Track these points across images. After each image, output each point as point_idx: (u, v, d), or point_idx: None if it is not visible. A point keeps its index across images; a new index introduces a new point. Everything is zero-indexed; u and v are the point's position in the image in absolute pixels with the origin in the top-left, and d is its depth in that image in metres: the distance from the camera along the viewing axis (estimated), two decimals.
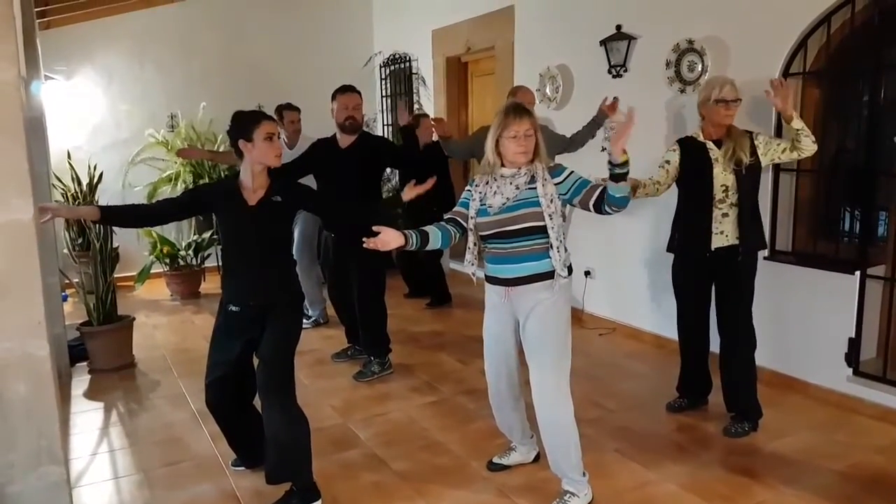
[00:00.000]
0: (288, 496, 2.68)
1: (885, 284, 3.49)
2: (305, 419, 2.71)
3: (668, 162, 3.34)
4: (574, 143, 4.41)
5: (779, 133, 3.67)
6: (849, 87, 3.77)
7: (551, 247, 2.53)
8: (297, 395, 2.72)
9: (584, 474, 2.68)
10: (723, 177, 3.18)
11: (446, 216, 2.73)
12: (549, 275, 2.55)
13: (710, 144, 3.24)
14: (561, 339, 2.61)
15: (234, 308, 2.74)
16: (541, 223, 2.52)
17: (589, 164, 4.33)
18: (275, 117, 2.84)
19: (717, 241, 3.22)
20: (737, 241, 3.20)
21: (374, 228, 2.54)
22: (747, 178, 3.16)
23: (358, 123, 4.07)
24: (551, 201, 2.52)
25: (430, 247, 2.66)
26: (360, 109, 4.08)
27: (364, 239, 2.51)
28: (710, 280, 3.34)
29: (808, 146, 3.10)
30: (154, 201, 2.91)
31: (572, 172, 2.61)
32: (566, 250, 2.61)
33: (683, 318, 3.49)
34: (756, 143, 3.18)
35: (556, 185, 2.56)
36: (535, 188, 2.54)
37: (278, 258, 2.76)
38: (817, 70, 3.70)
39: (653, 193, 3.42)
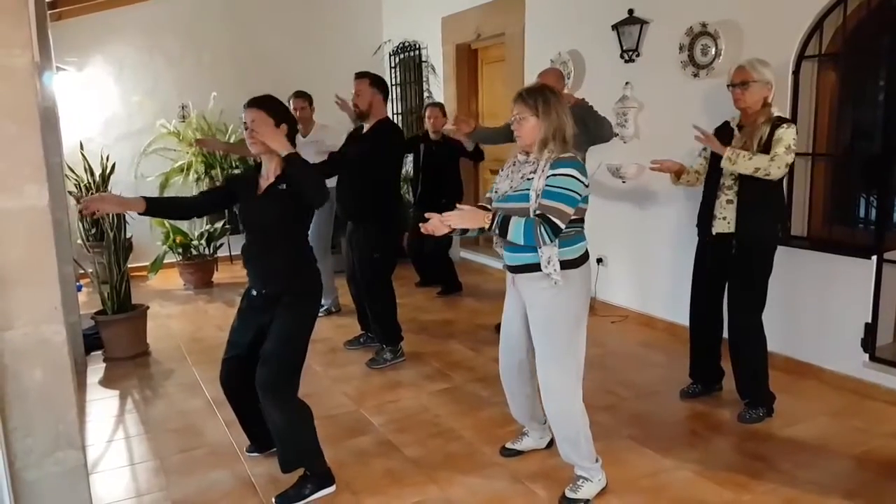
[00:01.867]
0: (302, 481, 2.70)
1: None
2: (306, 412, 2.69)
3: (704, 149, 3.36)
4: (600, 130, 4.05)
5: (794, 118, 3.63)
6: (865, 69, 3.71)
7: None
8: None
9: (596, 460, 2.67)
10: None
11: (487, 195, 2.69)
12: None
13: (737, 131, 3.21)
14: (564, 333, 2.54)
15: (253, 292, 2.77)
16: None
17: (604, 149, 4.31)
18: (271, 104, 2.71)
19: (719, 227, 3.22)
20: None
21: (427, 215, 2.51)
22: None
23: (359, 110, 4.04)
24: (538, 196, 2.43)
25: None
26: (364, 95, 4.00)
27: (420, 224, 2.50)
28: (718, 266, 3.32)
29: (763, 177, 3.02)
30: (198, 193, 2.88)
31: (563, 176, 2.42)
32: (574, 243, 2.51)
33: (693, 302, 3.49)
34: (775, 135, 3.06)
35: (547, 177, 2.43)
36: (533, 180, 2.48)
37: (285, 246, 2.68)
38: (833, 52, 3.65)
39: (693, 183, 3.41)
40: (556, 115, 2.47)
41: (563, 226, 2.40)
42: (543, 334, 2.57)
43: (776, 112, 3.14)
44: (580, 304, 2.57)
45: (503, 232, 2.43)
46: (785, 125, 3.06)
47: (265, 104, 2.61)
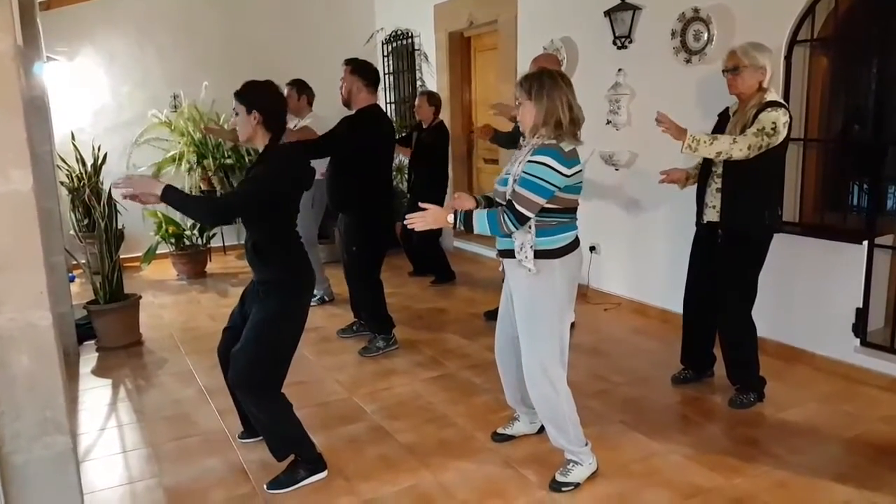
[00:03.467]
0: (293, 467, 2.71)
1: (894, 254, 3.46)
2: (283, 404, 2.65)
3: None
4: None
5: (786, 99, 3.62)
6: (857, 55, 3.70)
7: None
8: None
9: (586, 444, 2.68)
10: None
11: None
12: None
13: (733, 117, 3.20)
14: (545, 320, 2.52)
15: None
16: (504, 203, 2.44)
17: (597, 137, 4.30)
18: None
19: (710, 215, 3.22)
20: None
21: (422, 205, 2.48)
22: None
23: (343, 98, 4.02)
24: (515, 182, 2.42)
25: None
26: (346, 83, 3.97)
27: (407, 216, 2.46)
28: (711, 255, 3.30)
29: (727, 159, 2.99)
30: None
31: (538, 164, 2.37)
32: (555, 234, 2.46)
33: (687, 290, 3.49)
34: (757, 119, 3.00)
35: (525, 163, 2.41)
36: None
37: (258, 235, 2.63)
38: (825, 38, 3.64)
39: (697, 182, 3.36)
40: (549, 100, 2.43)
41: (529, 214, 2.38)
42: (524, 321, 2.57)
43: (772, 97, 3.07)
44: (562, 294, 2.54)
45: (468, 227, 2.43)
46: (770, 108, 2.98)
47: (239, 93, 2.60)
